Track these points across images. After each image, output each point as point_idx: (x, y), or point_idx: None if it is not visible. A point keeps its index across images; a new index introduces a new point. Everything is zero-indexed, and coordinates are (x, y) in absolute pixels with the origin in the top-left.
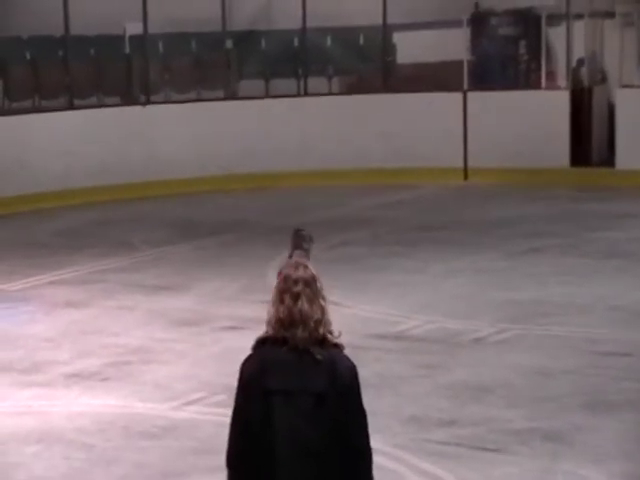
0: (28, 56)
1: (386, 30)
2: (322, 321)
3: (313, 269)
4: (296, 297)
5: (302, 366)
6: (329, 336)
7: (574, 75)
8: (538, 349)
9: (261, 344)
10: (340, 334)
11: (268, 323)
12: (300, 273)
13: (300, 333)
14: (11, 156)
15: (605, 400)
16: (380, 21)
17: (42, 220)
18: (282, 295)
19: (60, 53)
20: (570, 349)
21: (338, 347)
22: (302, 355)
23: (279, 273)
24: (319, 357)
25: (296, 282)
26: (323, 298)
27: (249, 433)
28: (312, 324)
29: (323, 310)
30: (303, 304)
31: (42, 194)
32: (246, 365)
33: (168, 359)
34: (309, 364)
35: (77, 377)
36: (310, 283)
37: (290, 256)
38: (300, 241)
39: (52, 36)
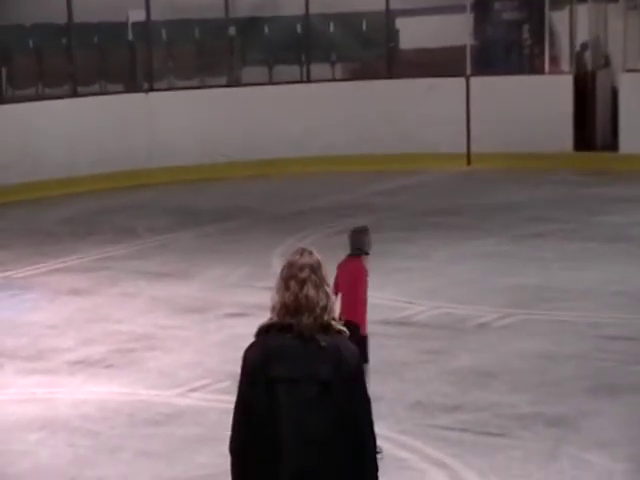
0: (31, 44)
1: (389, 16)
2: (327, 307)
3: (318, 255)
4: (302, 283)
5: (307, 353)
6: (333, 323)
7: (578, 59)
8: (542, 334)
9: (265, 331)
10: (342, 320)
11: (272, 310)
12: (306, 259)
13: (306, 319)
14: (15, 144)
15: (609, 384)
16: (383, 7)
17: (46, 208)
18: (288, 281)
19: (63, 41)
20: (574, 334)
21: (342, 334)
22: (307, 342)
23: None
24: (324, 344)
25: (302, 268)
26: (328, 285)
27: (253, 420)
28: (318, 310)
29: (328, 296)
30: (309, 290)
31: (46, 182)
32: (249, 352)
33: (172, 346)
34: (314, 351)
35: (81, 364)
36: (316, 269)
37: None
38: (358, 240)
39: (55, 24)
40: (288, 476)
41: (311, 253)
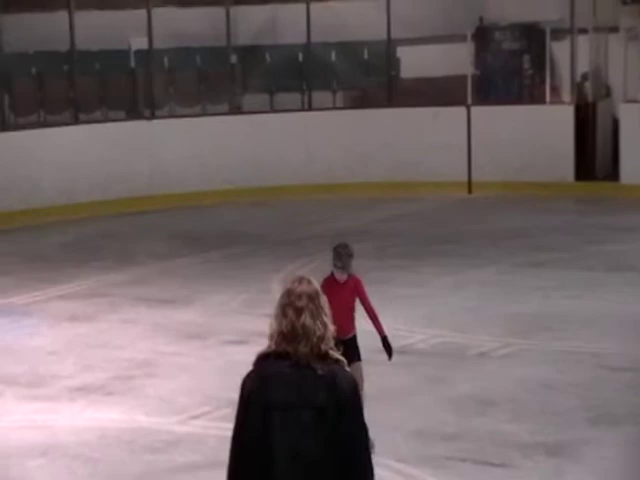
0: (34, 71)
1: (390, 44)
2: (324, 337)
3: (316, 284)
4: (299, 312)
5: (303, 380)
6: (331, 352)
7: (578, 89)
8: (542, 363)
9: (263, 359)
10: (341, 350)
11: (270, 337)
12: (304, 287)
13: (302, 348)
14: (17, 170)
15: (609, 414)
16: (384, 36)
17: (47, 234)
18: (285, 309)
19: (65, 68)
20: (575, 363)
21: (339, 362)
22: (303, 370)
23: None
24: (320, 372)
25: (300, 297)
26: (326, 314)
27: (250, 448)
28: (314, 339)
29: (326, 326)
30: (306, 319)
31: (48, 208)
32: (247, 380)
33: (172, 373)
34: (310, 379)
35: (81, 391)
36: (314, 298)
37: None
38: (337, 257)
39: (57, 51)
40: None
41: (310, 282)
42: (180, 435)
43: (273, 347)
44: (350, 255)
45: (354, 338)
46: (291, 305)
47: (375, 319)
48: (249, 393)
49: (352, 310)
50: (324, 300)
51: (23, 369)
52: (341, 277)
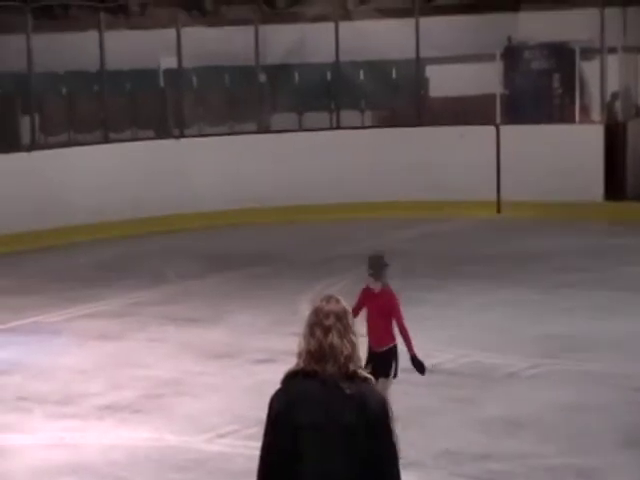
0: (64, 91)
1: (419, 63)
2: (352, 356)
3: (345, 303)
4: (327, 331)
5: (331, 400)
6: (359, 371)
7: (608, 109)
8: (571, 384)
9: (291, 378)
10: (369, 368)
11: (299, 355)
12: (332, 306)
13: (330, 367)
14: (47, 190)
15: (638, 437)
16: (413, 55)
17: (77, 253)
18: (313, 328)
19: (95, 88)
20: (604, 385)
21: (368, 381)
22: (331, 389)
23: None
24: (348, 391)
25: (327, 315)
26: (354, 333)
27: (278, 467)
28: (342, 359)
29: (354, 345)
30: (334, 338)
31: (77, 227)
32: (275, 399)
33: (200, 392)
34: (338, 398)
35: (110, 409)
36: (341, 317)
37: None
38: (370, 266)
39: (88, 71)
40: None
41: (338, 301)
42: (208, 454)
43: (301, 365)
44: (384, 265)
45: (389, 351)
46: (319, 324)
47: (405, 336)
48: (277, 412)
49: (387, 321)
50: (352, 319)
51: (52, 387)
52: (375, 286)
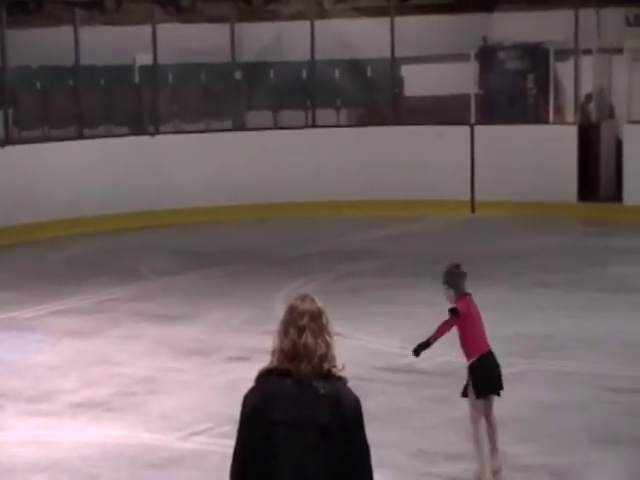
0: (38, 86)
1: (394, 63)
2: (327, 356)
3: (320, 302)
4: (301, 330)
5: (306, 398)
6: (333, 370)
7: (582, 110)
8: (548, 384)
9: (265, 376)
10: (344, 367)
11: (272, 354)
12: (306, 305)
13: (304, 367)
14: (21, 185)
15: (614, 436)
16: (388, 54)
17: (52, 249)
18: (287, 327)
19: (70, 83)
20: (579, 384)
21: (342, 380)
22: (306, 388)
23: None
24: (322, 391)
25: (302, 315)
26: (328, 333)
27: (252, 465)
28: (316, 359)
29: (328, 345)
30: (308, 338)
31: (52, 223)
32: (249, 397)
33: (174, 389)
34: (312, 397)
35: (83, 407)
36: (316, 317)
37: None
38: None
39: (62, 66)
40: None
41: (313, 300)
42: (181, 452)
43: (275, 364)
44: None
45: (470, 367)
46: (293, 323)
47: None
48: (251, 410)
49: (461, 334)
50: (327, 319)
51: (25, 384)
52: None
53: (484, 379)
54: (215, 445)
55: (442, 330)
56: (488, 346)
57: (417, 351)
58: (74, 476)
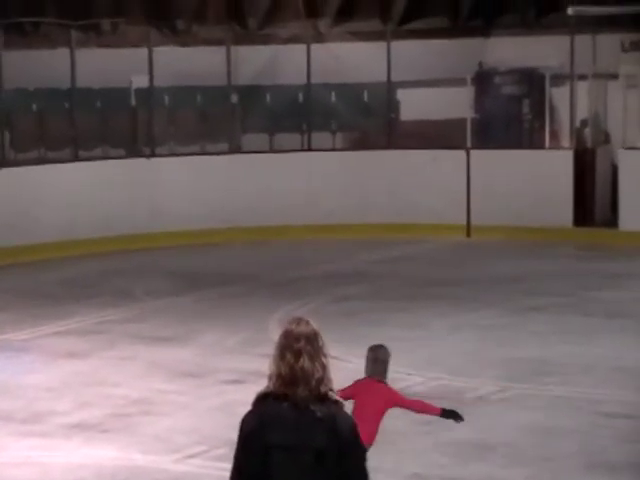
0: (34, 107)
1: (390, 87)
2: (323, 379)
3: (315, 325)
4: (298, 354)
5: (302, 422)
6: (330, 393)
7: (578, 135)
8: (540, 408)
9: (262, 399)
10: (338, 392)
11: (269, 378)
12: (302, 328)
13: (301, 391)
14: (16, 206)
15: (607, 462)
16: (384, 78)
17: (47, 270)
18: (283, 352)
19: (66, 105)
20: (572, 409)
21: (338, 404)
22: (303, 411)
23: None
24: (319, 414)
25: (297, 339)
26: (324, 355)
27: None
28: (313, 382)
29: (324, 367)
30: (305, 361)
31: (47, 244)
32: (246, 420)
33: (169, 411)
34: (309, 420)
35: (77, 428)
36: (312, 340)
37: (368, 374)
38: (376, 362)
39: (58, 88)
40: None
41: (307, 323)
42: (176, 474)
43: (272, 388)
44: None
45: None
46: (289, 347)
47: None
48: (248, 434)
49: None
50: (322, 341)
51: (19, 405)
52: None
53: None
54: (210, 468)
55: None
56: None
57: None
58: None
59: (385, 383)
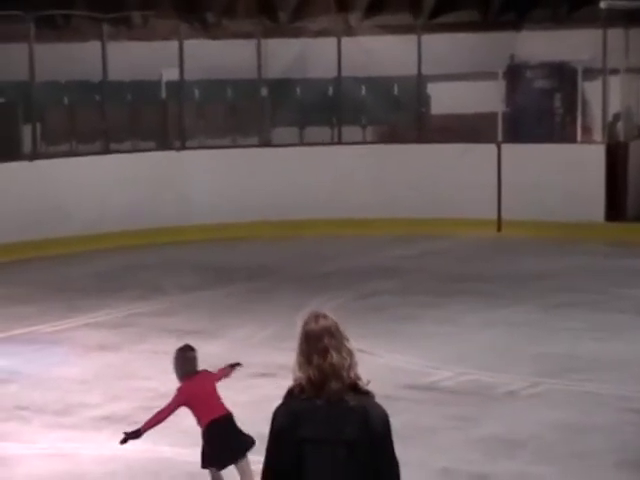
0: (66, 101)
1: (421, 80)
2: (352, 365)
3: (332, 316)
4: (324, 353)
5: (334, 414)
6: (360, 383)
7: (610, 129)
8: (570, 405)
9: (293, 393)
10: (369, 382)
11: (298, 384)
12: (322, 324)
13: (334, 385)
14: (47, 199)
15: (637, 459)
16: (415, 72)
17: (77, 263)
18: (309, 356)
19: (97, 98)
20: (603, 405)
21: (370, 395)
22: (334, 403)
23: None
24: (352, 404)
25: (320, 337)
26: (347, 340)
27: None
28: (344, 373)
29: (351, 353)
30: (332, 357)
31: (77, 237)
32: (277, 415)
33: None
34: (341, 412)
35: (108, 420)
36: (333, 332)
37: (186, 374)
38: (187, 360)
39: (89, 81)
40: None
41: (325, 316)
42: None
43: (304, 395)
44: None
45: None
46: (314, 350)
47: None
48: (279, 428)
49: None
50: (342, 328)
51: (50, 397)
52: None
53: (210, 449)
54: None
55: (154, 419)
56: (222, 413)
57: (125, 440)
58: None
59: (199, 372)
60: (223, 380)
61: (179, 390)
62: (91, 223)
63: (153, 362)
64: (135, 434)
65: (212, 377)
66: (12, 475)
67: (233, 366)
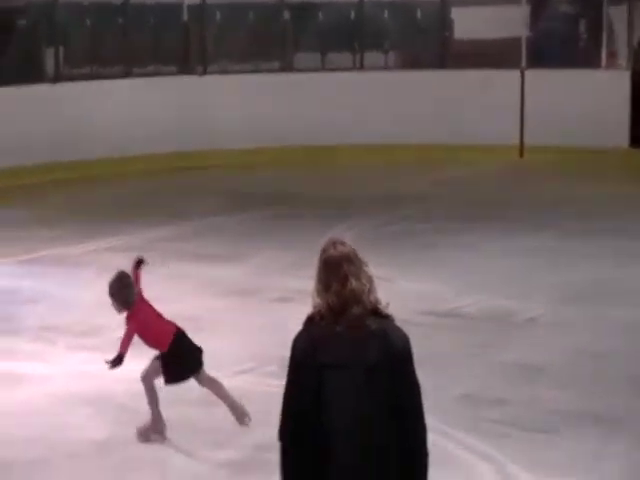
0: (88, 23)
1: (444, 5)
2: (372, 289)
3: (349, 244)
4: (344, 280)
5: (354, 339)
6: (380, 307)
7: (635, 55)
8: (592, 330)
9: (313, 319)
10: (388, 304)
11: (317, 312)
12: (340, 249)
13: (355, 310)
14: (69, 122)
15: None
16: None
17: (99, 187)
18: (328, 283)
19: (119, 21)
20: (623, 331)
21: (389, 318)
22: (354, 328)
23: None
24: (373, 327)
25: (339, 264)
26: (366, 265)
27: (302, 407)
28: (364, 298)
29: (370, 279)
30: (352, 283)
31: (99, 160)
32: (298, 341)
33: (218, 328)
34: (362, 337)
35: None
36: (352, 258)
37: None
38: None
39: (112, 2)
40: (339, 460)
41: (343, 243)
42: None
43: (323, 322)
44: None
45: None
46: (334, 276)
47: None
48: (300, 354)
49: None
50: (359, 255)
51: (75, 319)
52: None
53: (178, 363)
54: (258, 384)
55: (125, 344)
56: (177, 328)
57: (113, 367)
58: (120, 410)
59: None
60: (210, 298)
61: (130, 319)
62: (111, 147)
63: (173, 286)
64: (119, 359)
65: (143, 296)
66: (35, 394)
67: (138, 265)
